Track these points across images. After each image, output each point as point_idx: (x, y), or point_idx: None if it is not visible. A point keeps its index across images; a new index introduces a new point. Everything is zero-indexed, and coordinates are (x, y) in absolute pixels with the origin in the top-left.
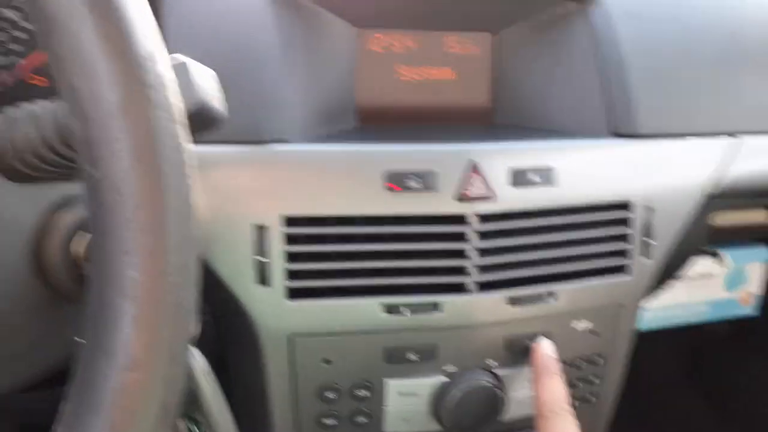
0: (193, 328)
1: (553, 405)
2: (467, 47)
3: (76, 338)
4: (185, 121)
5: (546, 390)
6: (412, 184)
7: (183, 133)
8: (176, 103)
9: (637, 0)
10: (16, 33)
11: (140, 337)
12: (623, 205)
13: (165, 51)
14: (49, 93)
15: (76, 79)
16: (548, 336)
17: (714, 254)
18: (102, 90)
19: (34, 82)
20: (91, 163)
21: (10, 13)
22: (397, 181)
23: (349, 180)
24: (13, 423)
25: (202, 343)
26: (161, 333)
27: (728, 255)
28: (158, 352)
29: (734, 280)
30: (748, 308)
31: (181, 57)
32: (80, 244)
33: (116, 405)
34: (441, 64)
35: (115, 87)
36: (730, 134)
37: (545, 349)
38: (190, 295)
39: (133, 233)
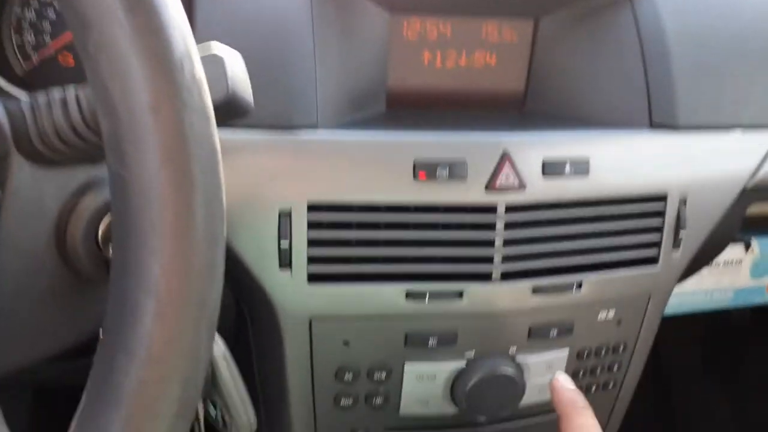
0: (216, 322)
1: None
2: (506, 34)
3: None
4: (216, 118)
5: (578, 430)
6: (442, 173)
7: (215, 134)
8: (209, 104)
9: None
10: (48, 13)
11: (161, 334)
12: (659, 198)
13: (197, 51)
14: (75, 72)
15: (108, 78)
16: (573, 325)
17: (743, 242)
18: (134, 90)
19: (60, 60)
20: (120, 163)
21: None
22: (427, 170)
23: (378, 168)
24: (28, 388)
25: (221, 324)
26: (183, 331)
27: (757, 243)
28: (179, 350)
29: (761, 269)
30: None
31: (215, 45)
32: (104, 229)
33: (134, 401)
34: (476, 51)
35: (147, 87)
36: None
37: (566, 382)
38: (214, 294)
39: (158, 234)
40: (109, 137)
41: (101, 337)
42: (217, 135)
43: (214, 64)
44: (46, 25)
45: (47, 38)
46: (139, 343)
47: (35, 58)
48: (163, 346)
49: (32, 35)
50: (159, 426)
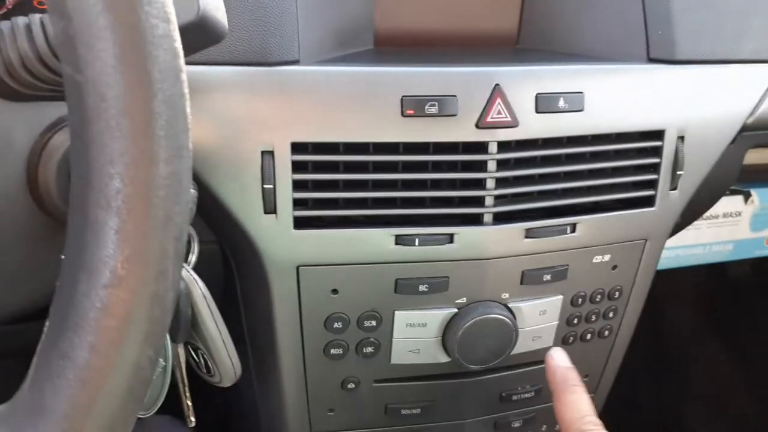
0: (184, 242)
1: (581, 422)
2: None
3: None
4: (185, 45)
5: (570, 407)
6: (431, 109)
7: (176, 35)
8: (169, 2)
9: None
10: None
11: (123, 252)
12: (656, 134)
13: None
14: None
15: None
16: (567, 269)
17: (743, 193)
18: None
19: (35, 3)
20: (73, 66)
21: None
22: (415, 106)
23: (364, 104)
24: (21, 355)
25: (210, 274)
26: (147, 248)
27: (757, 194)
28: (143, 269)
29: (762, 221)
30: None
31: None
32: None
33: (97, 324)
34: None
35: None
36: None
37: (560, 360)
38: (180, 209)
39: (117, 141)
40: (63, 41)
41: (62, 257)
42: (179, 35)
43: None
44: None
45: None
46: (100, 263)
47: (9, 2)
48: (126, 264)
49: None
50: (125, 352)
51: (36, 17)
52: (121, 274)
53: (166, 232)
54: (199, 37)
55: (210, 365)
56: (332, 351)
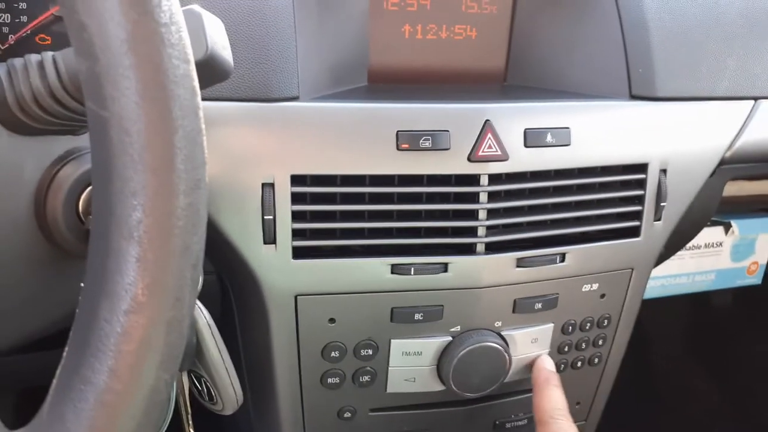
0: (200, 271)
1: (552, 412)
2: (485, 6)
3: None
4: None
5: (546, 399)
6: (425, 143)
7: (194, 75)
8: (188, 44)
9: None
10: None
11: (144, 279)
12: (639, 168)
13: None
14: (53, 50)
15: (85, 15)
16: (557, 298)
17: (723, 224)
18: (111, 26)
19: (37, 41)
20: (98, 103)
21: None
22: (409, 141)
23: (361, 139)
24: (13, 386)
25: (207, 302)
26: (166, 275)
27: (737, 225)
28: (162, 295)
29: (742, 251)
30: (753, 278)
31: (194, 6)
32: (85, 200)
33: (118, 349)
34: (457, 24)
35: (124, 23)
36: (755, 99)
37: (546, 364)
38: (197, 239)
39: (140, 174)
40: (88, 78)
41: (83, 284)
42: (196, 75)
43: (192, 20)
44: (23, 6)
45: (24, 19)
46: (121, 290)
47: (12, 38)
48: (146, 291)
49: (8, 16)
50: (143, 376)
51: (48, 55)
52: (142, 300)
53: (184, 261)
54: (207, 75)
55: (213, 393)
56: (329, 380)
